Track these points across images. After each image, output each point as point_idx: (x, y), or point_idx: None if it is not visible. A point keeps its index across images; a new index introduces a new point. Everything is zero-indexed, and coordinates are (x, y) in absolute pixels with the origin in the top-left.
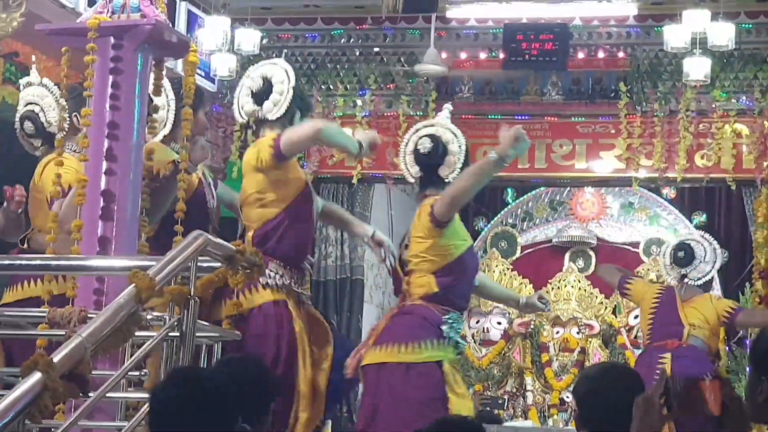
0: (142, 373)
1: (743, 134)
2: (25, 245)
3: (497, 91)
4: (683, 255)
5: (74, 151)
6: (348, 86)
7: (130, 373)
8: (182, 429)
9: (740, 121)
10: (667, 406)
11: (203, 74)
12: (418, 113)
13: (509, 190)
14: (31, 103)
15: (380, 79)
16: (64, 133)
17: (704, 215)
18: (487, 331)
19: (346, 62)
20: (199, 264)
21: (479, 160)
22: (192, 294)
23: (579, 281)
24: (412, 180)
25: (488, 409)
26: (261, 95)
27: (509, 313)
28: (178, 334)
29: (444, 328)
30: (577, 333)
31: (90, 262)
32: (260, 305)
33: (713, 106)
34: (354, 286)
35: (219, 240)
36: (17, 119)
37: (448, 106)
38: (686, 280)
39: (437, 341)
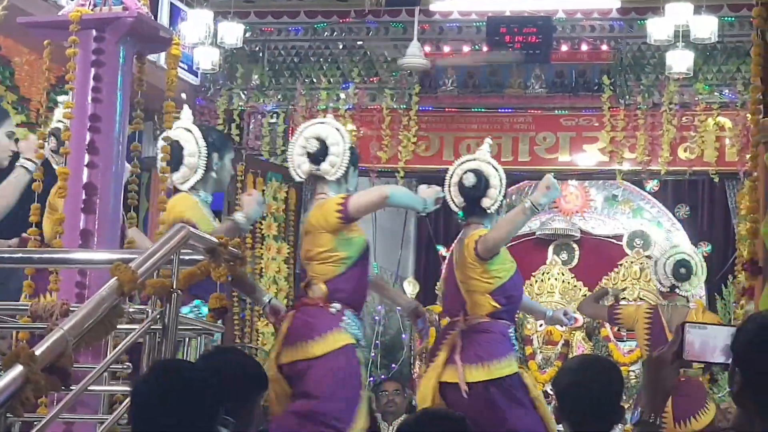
0: (125, 366)
1: (726, 127)
2: None
3: (480, 84)
4: (684, 271)
5: None
6: (331, 79)
7: (112, 366)
8: (163, 421)
9: (723, 114)
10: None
11: (186, 67)
12: (401, 106)
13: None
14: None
15: (364, 72)
16: None
17: (687, 208)
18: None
19: (329, 56)
20: (181, 257)
21: (515, 209)
22: (174, 287)
23: (563, 274)
24: (456, 209)
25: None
26: (317, 156)
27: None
28: (160, 327)
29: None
30: (561, 326)
31: (72, 255)
32: (342, 347)
33: (696, 99)
34: None
35: (201, 233)
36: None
37: (488, 140)
38: (676, 290)
39: (514, 354)
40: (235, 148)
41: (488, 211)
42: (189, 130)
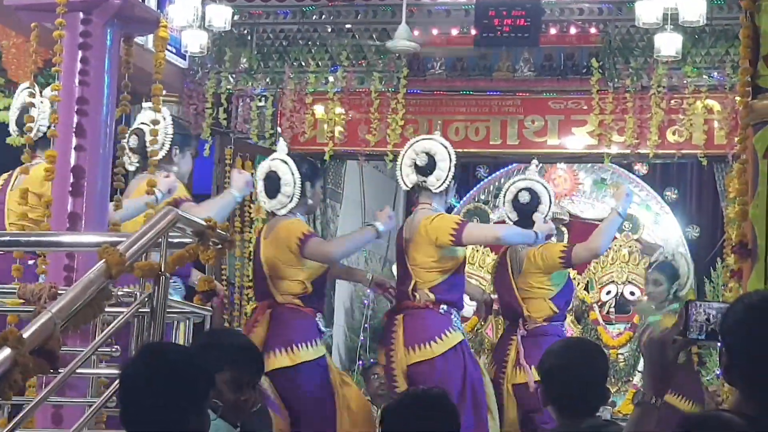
0: (113, 350)
1: (715, 110)
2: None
3: (469, 67)
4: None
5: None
6: (320, 63)
7: (100, 349)
8: (151, 404)
9: (712, 97)
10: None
11: (174, 51)
12: (389, 89)
13: (481, 166)
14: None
15: (352, 55)
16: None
17: (676, 191)
18: None
19: (317, 39)
20: (169, 240)
21: (608, 217)
22: (163, 270)
23: None
24: (510, 222)
25: None
26: (425, 169)
27: (483, 290)
28: (148, 309)
29: None
30: None
31: (60, 238)
32: (455, 345)
33: (685, 82)
34: None
35: (190, 215)
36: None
37: (535, 162)
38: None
39: None
40: (222, 131)
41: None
42: (285, 162)
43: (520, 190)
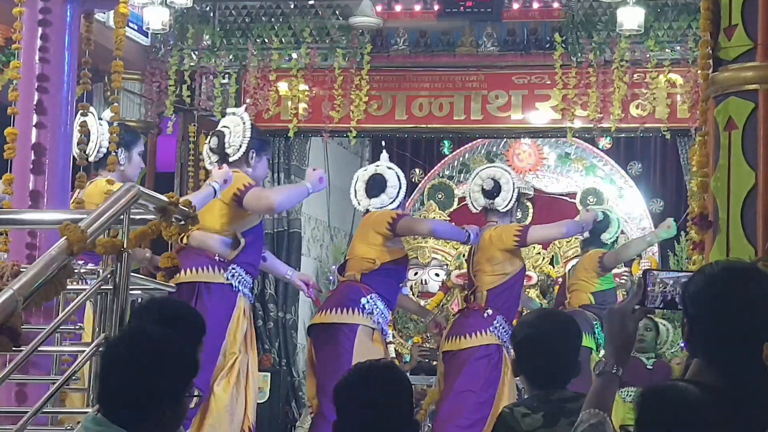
0: (76, 327)
1: (677, 84)
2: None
3: (432, 43)
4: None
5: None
6: (283, 40)
7: (63, 326)
8: (128, 387)
9: (674, 71)
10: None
11: (136, 28)
12: (353, 66)
13: (446, 141)
14: (225, 126)
15: (315, 32)
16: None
17: (640, 165)
18: (425, 283)
19: (281, 15)
20: (132, 216)
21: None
22: (125, 246)
23: None
24: (581, 238)
25: (427, 360)
26: (492, 192)
27: (447, 265)
28: (111, 286)
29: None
30: None
31: (21, 216)
32: (485, 345)
33: (647, 56)
34: (291, 240)
35: (152, 192)
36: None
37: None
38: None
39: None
40: (186, 108)
41: (605, 242)
42: (391, 168)
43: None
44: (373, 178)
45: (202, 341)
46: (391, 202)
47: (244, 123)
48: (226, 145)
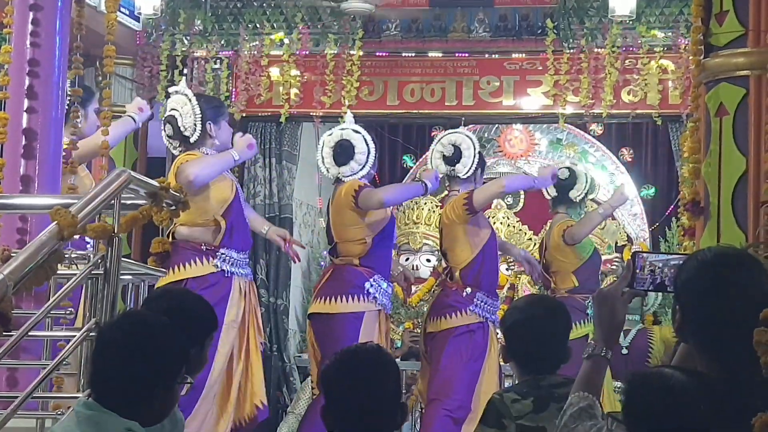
0: (67, 312)
1: (669, 70)
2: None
3: (424, 28)
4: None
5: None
6: (275, 25)
7: (54, 311)
8: (121, 373)
9: (666, 57)
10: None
11: (128, 13)
12: (345, 52)
13: (437, 127)
14: (173, 109)
15: (307, 17)
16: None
17: (631, 151)
18: (417, 269)
19: (272, 1)
20: (123, 201)
21: (593, 211)
22: (116, 231)
23: (508, 218)
24: (549, 197)
25: (417, 346)
26: (452, 159)
27: (438, 251)
28: (102, 271)
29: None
30: (506, 269)
31: (12, 201)
32: (467, 325)
33: (639, 42)
34: (282, 225)
35: (143, 177)
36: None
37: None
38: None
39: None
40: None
41: (575, 200)
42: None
43: (560, 168)
44: (340, 144)
45: (212, 336)
46: (361, 169)
47: (190, 100)
48: (182, 128)
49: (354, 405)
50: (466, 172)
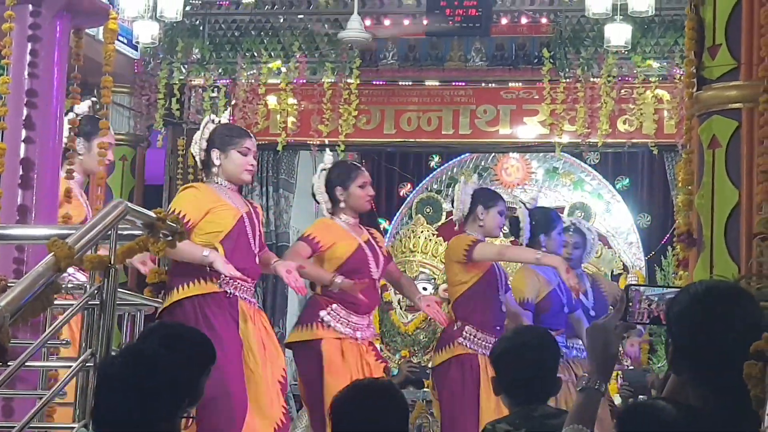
0: (63, 342)
1: (664, 99)
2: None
3: (421, 57)
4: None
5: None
6: (272, 53)
7: (50, 341)
8: (123, 406)
9: (661, 87)
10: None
11: (126, 41)
12: (342, 80)
13: (434, 155)
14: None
15: (304, 46)
16: None
17: (627, 180)
18: None
19: (270, 29)
20: (119, 232)
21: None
22: (113, 262)
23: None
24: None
25: (417, 371)
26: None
27: (435, 279)
28: (98, 302)
29: None
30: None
31: (9, 231)
32: (454, 357)
33: (634, 71)
34: (279, 253)
35: (139, 208)
36: None
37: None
38: None
39: None
40: (175, 122)
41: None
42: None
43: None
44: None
45: (209, 368)
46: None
47: (206, 126)
48: (193, 153)
49: None
50: (457, 215)
